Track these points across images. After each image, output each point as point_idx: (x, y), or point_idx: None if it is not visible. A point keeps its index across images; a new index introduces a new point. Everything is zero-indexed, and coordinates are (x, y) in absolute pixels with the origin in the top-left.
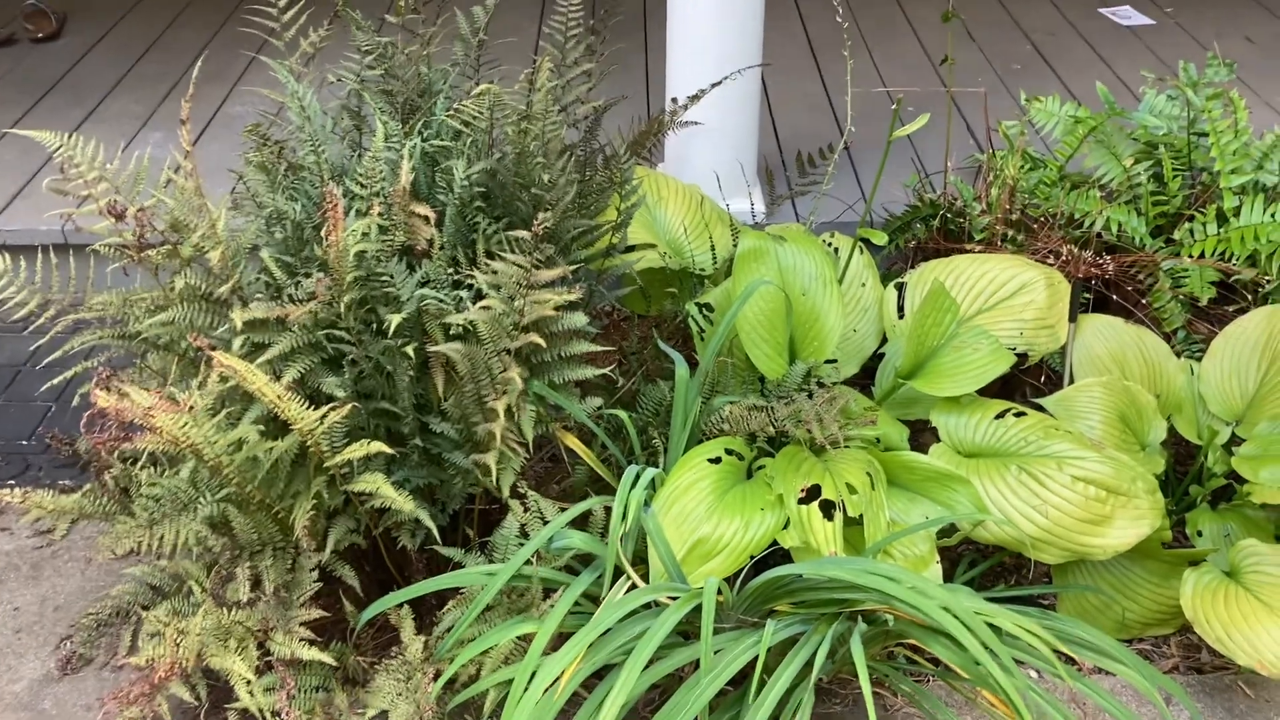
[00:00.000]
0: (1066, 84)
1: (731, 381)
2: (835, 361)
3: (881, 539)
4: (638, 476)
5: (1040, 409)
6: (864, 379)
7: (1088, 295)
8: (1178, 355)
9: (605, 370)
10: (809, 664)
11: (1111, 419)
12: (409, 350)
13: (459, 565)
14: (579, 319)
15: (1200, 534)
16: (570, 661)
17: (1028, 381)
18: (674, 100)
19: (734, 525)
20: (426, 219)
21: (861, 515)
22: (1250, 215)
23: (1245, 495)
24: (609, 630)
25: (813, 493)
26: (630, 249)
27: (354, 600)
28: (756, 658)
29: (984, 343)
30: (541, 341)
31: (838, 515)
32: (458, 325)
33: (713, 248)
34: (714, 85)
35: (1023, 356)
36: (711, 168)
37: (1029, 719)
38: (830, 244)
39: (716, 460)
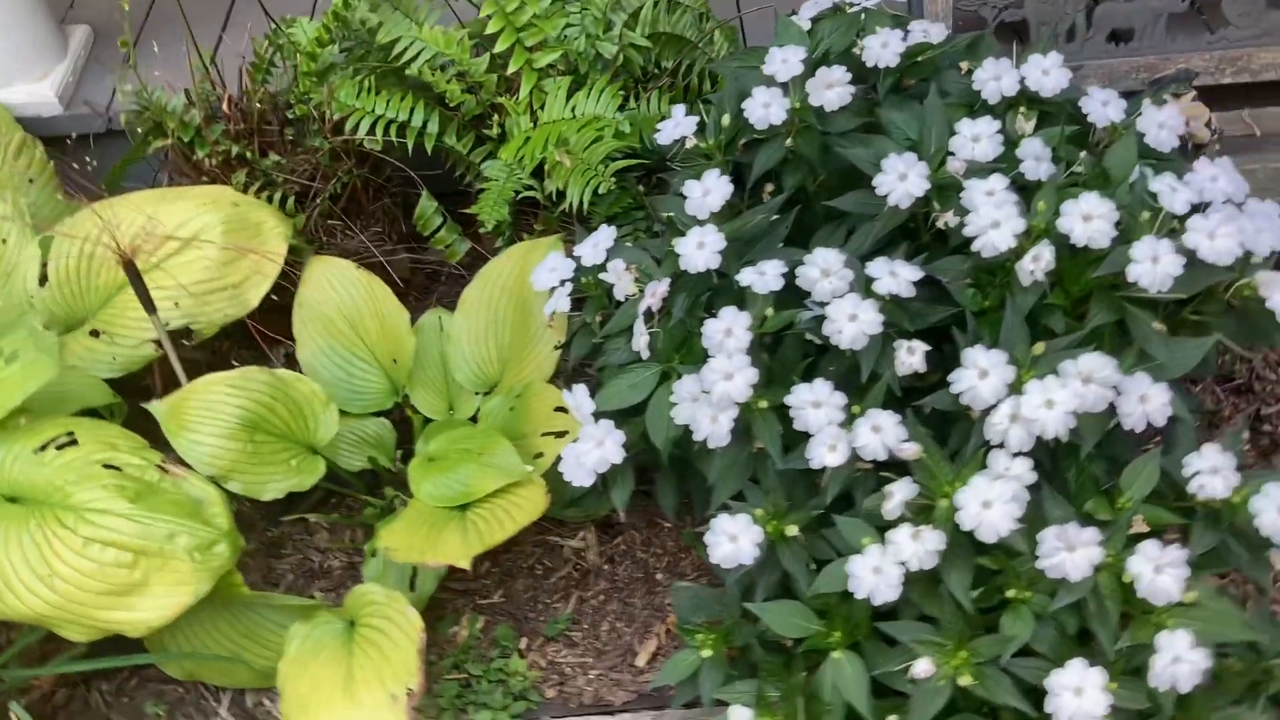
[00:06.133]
0: None
1: None
2: None
3: None
4: None
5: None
6: None
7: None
8: None
9: None
10: None
11: (234, 429)
12: None
13: None
14: None
15: (375, 555)
16: None
17: None
18: None
19: None
20: None
21: None
22: (553, 108)
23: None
24: None
25: None
26: None
27: None
28: None
29: (26, 345)
30: None
31: None
32: None
33: None
34: None
35: (185, 333)
36: None
37: None
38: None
39: None
